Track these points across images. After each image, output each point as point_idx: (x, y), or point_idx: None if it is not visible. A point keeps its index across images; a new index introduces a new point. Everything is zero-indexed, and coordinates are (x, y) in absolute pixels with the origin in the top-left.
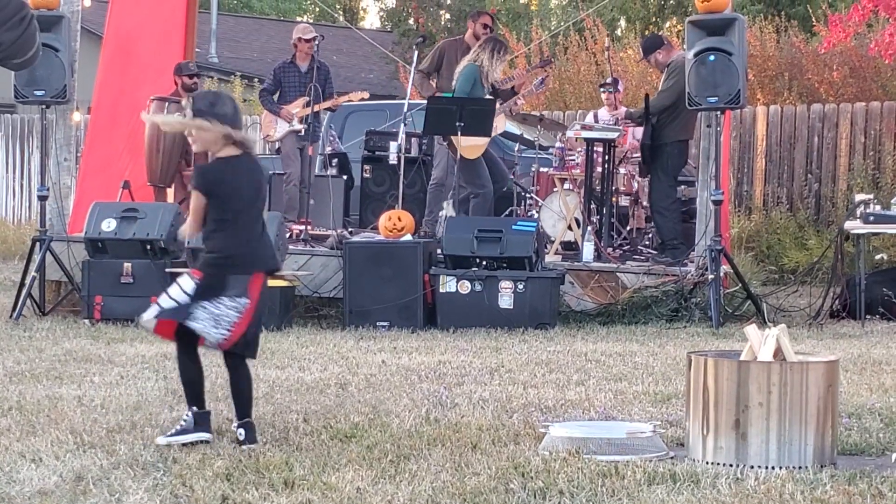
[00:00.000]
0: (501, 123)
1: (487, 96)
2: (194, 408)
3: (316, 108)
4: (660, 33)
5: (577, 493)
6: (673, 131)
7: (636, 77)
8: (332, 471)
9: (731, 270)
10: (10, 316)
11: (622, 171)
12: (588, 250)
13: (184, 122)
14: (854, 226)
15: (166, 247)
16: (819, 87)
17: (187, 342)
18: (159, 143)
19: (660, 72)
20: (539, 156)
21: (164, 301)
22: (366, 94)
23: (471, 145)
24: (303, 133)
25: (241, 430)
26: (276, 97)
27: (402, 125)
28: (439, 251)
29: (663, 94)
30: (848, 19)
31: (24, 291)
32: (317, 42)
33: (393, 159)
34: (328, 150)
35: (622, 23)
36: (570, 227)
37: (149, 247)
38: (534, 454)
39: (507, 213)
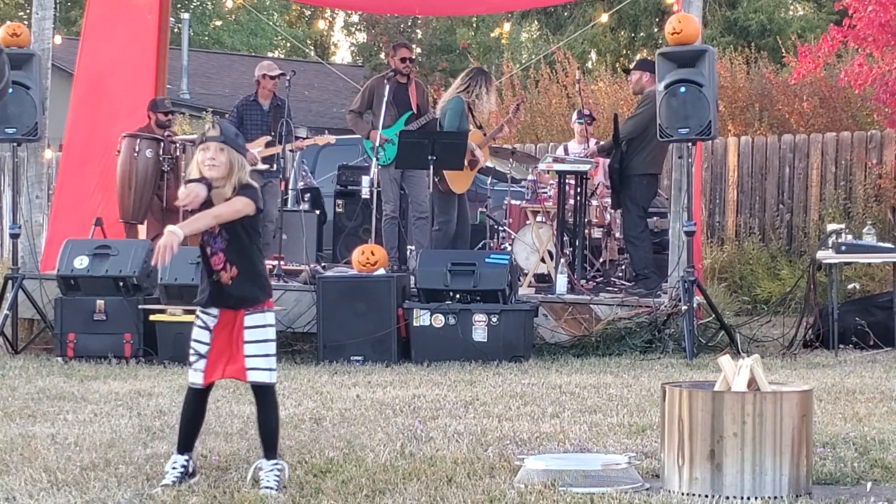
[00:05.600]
0: (486, 155)
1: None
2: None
3: (277, 149)
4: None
5: None
6: (641, 164)
7: (607, 109)
8: None
9: (705, 301)
10: None
11: (594, 202)
12: (561, 282)
13: None
14: (826, 256)
15: (139, 283)
16: (790, 117)
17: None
18: (131, 179)
19: (633, 94)
20: (511, 188)
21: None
22: (332, 139)
23: (461, 180)
24: (274, 168)
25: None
26: None
27: (374, 159)
28: (413, 285)
29: (632, 120)
30: (818, 50)
31: None
32: (288, 78)
33: (365, 193)
34: (301, 184)
35: (593, 56)
36: (543, 260)
37: (121, 284)
38: (509, 487)
39: (479, 246)
